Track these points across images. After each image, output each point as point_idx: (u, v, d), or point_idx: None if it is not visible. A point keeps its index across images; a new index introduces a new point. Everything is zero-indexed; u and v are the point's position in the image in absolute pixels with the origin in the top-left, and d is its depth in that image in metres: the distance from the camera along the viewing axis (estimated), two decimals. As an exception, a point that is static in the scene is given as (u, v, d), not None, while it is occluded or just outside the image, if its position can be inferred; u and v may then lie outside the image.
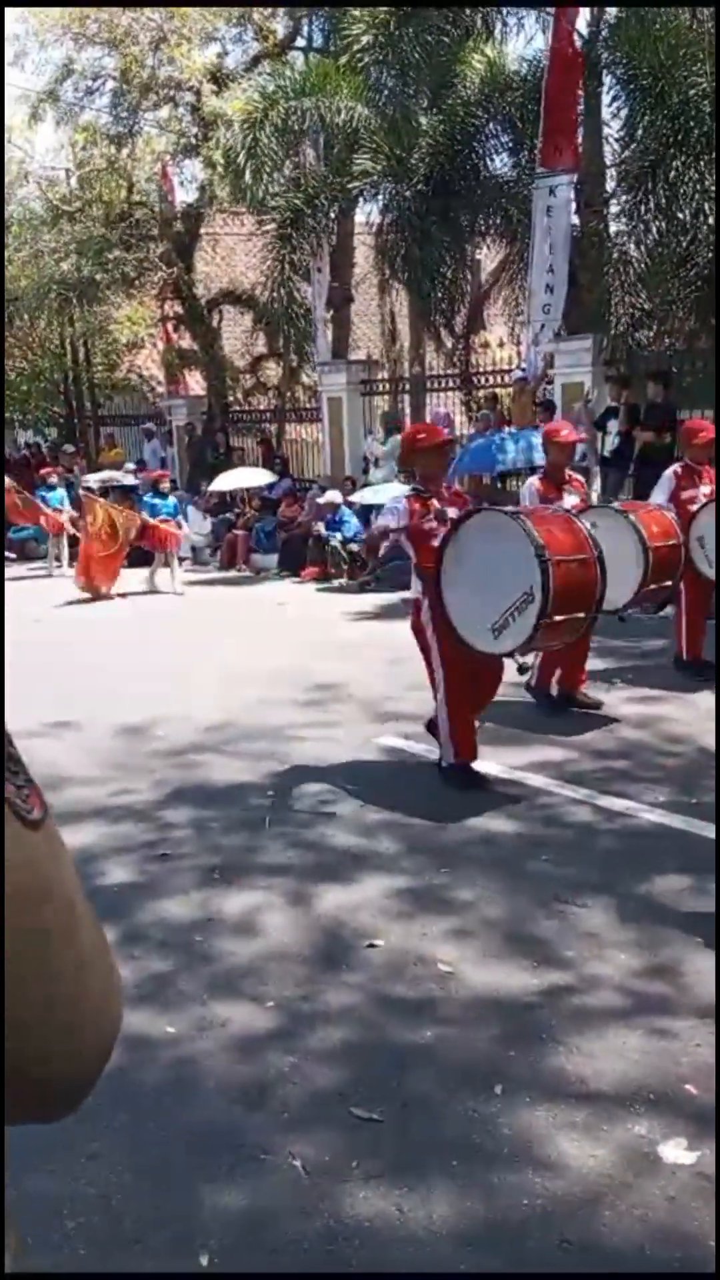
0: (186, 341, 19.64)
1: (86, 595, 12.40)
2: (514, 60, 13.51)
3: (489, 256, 17.53)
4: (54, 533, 15.03)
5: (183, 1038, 3.13)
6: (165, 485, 13.73)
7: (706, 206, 11.31)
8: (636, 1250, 2.24)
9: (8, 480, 14.92)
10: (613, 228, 13.01)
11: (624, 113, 12.40)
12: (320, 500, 13.75)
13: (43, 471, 15.34)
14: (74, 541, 15.15)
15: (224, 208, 18.06)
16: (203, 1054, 3.05)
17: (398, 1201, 2.41)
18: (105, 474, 16.93)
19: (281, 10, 17.83)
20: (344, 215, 16.07)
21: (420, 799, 5.09)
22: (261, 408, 19.74)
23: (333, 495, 13.63)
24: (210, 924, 3.87)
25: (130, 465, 17.57)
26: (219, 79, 17.27)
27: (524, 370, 13.38)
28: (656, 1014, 3.05)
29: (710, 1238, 2.23)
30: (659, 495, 7.05)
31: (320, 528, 13.41)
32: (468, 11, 12.98)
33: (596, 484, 10.67)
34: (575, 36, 12.18)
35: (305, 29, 18.43)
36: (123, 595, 12.48)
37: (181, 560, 15.15)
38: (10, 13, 17.66)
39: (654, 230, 12.12)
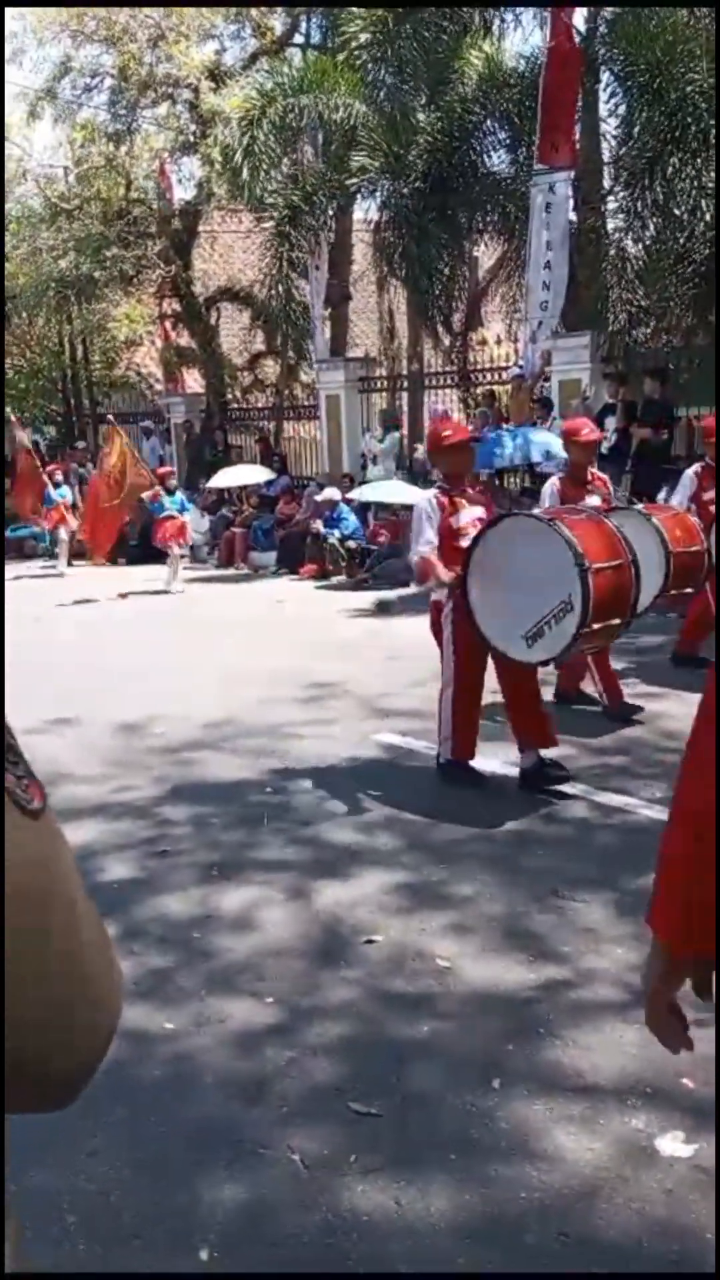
0: (185, 339, 19.65)
1: (86, 597, 12.36)
2: (512, 57, 13.52)
3: (487, 254, 17.54)
4: (54, 526, 14.93)
5: (181, 1033, 3.14)
6: (172, 482, 13.64)
7: (704, 203, 11.32)
8: (634, 1243, 2.25)
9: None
10: (610, 225, 13.02)
11: (621, 109, 12.42)
12: (318, 498, 13.76)
13: (49, 469, 15.26)
14: (75, 537, 15.16)
15: (222, 205, 18.07)
16: (201, 1049, 3.06)
17: (396, 1195, 2.42)
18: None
19: (279, 7, 17.82)
20: (342, 212, 16.08)
21: (418, 795, 5.10)
22: (260, 405, 19.76)
23: (331, 492, 13.64)
24: (209, 920, 3.88)
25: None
26: (217, 76, 17.28)
27: (522, 367, 13.39)
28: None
29: (707, 1230, 2.24)
30: (679, 496, 6.97)
31: (318, 525, 13.42)
32: (465, 8, 12.98)
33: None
34: (573, 33, 12.18)
35: (303, 26, 18.44)
36: (123, 595, 12.42)
37: (180, 558, 15.19)
38: (9, 10, 17.63)
39: (651, 227, 12.13)
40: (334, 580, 12.92)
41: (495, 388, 14.86)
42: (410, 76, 13.38)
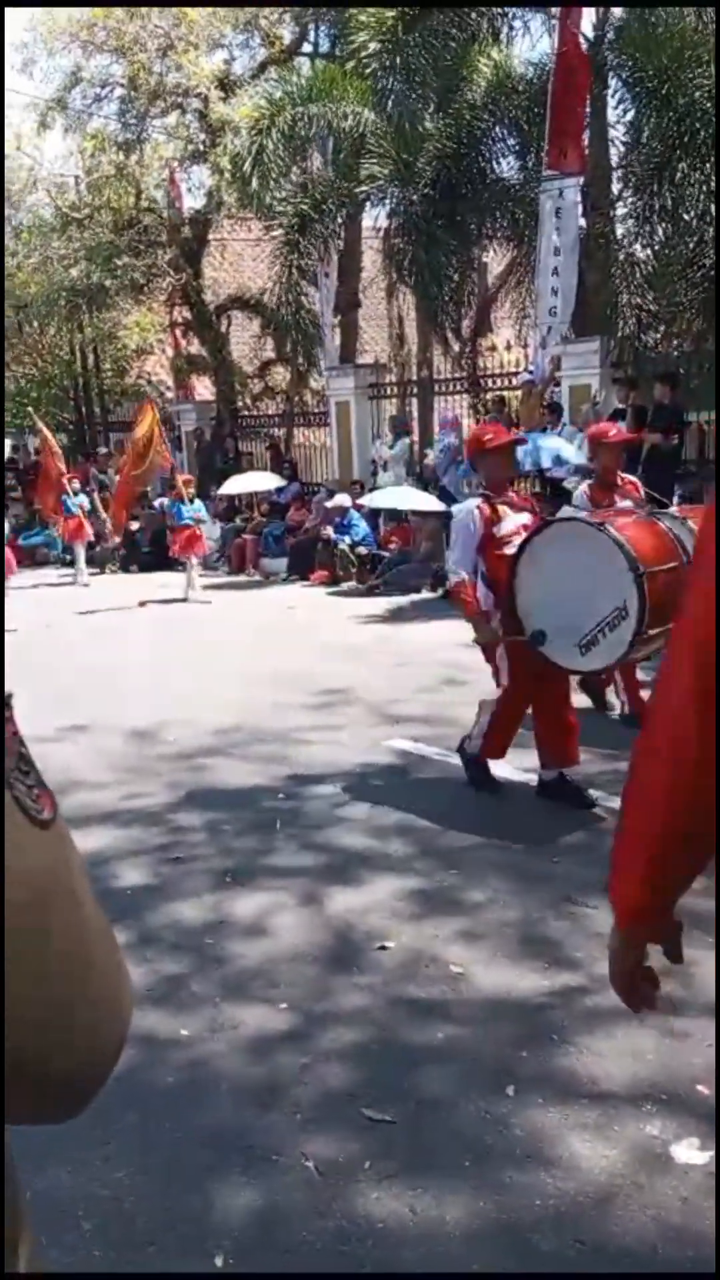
0: (195, 347, 19.71)
1: (107, 606, 12.34)
2: (520, 64, 13.54)
3: (496, 260, 17.54)
4: (72, 539, 14.86)
5: (195, 1039, 3.14)
6: (191, 490, 13.39)
7: (713, 208, 11.32)
8: (649, 1250, 2.24)
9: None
10: (619, 230, 13.02)
11: (630, 115, 12.43)
12: (328, 504, 13.78)
13: (67, 476, 15.25)
14: (91, 546, 15.15)
15: (232, 214, 18.14)
16: (215, 1055, 3.06)
17: (410, 1202, 2.42)
18: None
19: (288, 16, 17.90)
20: (351, 220, 16.12)
21: (430, 801, 5.10)
22: (270, 412, 19.80)
23: (341, 499, 13.66)
24: (222, 926, 3.88)
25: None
26: (226, 85, 17.36)
27: (531, 373, 13.38)
28: (667, 1014, 3.05)
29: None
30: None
31: (329, 531, 13.43)
32: (473, 16, 13.01)
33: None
34: (580, 39, 12.20)
35: (312, 34, 18.51)
36: (142, 604, 12.37)
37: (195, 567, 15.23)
38: (18, 20, 17.78)
39: (660, 232, 12.12)
40: (345, 586, 12.93)
41: (505, 393, 14.85)
42: (419, 84, 13.41)
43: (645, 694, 6.69)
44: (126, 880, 4.33)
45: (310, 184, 14.94)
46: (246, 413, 19.74)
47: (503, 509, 5.00)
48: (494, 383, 15.67)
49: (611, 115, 12.86)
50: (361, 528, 13.43)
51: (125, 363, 21.17)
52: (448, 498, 12.76)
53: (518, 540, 4.86)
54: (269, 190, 14.43)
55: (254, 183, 14.28)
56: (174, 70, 17.35)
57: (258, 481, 15.70)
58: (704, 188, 11.28)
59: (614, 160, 13.13)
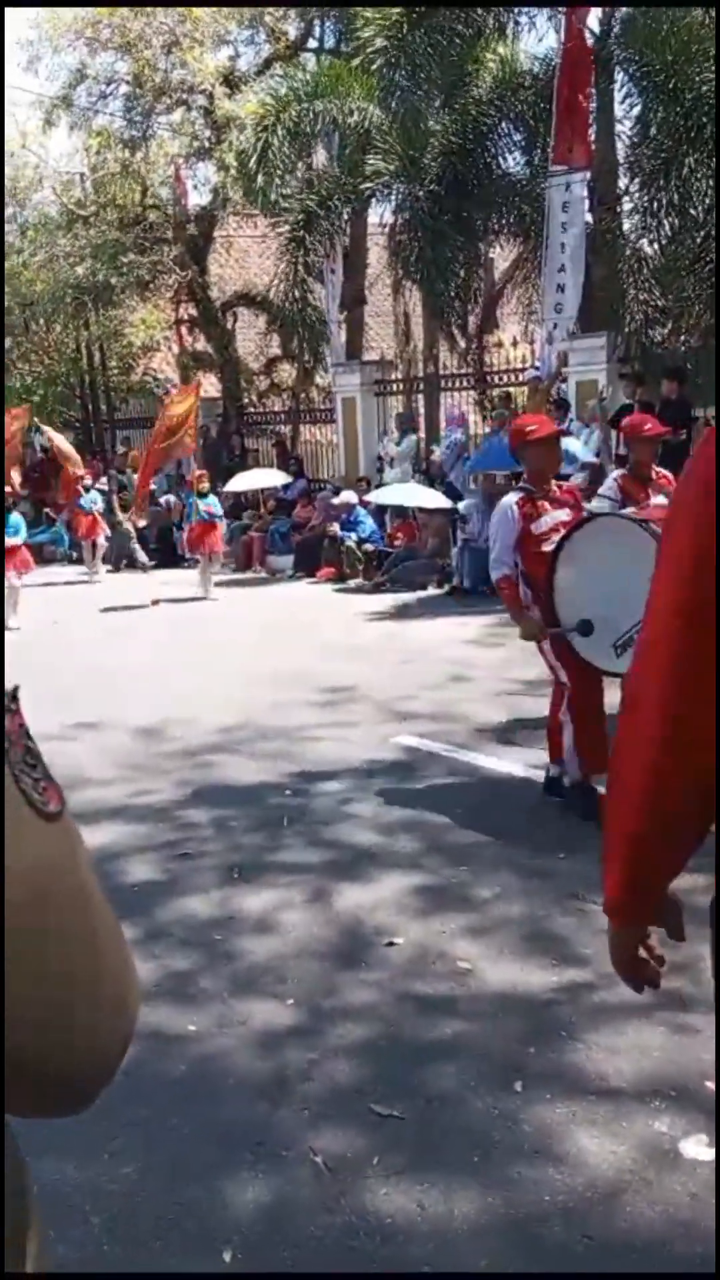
0: (201, 344, 19.71)
1: (123, 604, 12.22)
2: (526, 59, 13.50)
3: (502, 255, 17.52)
4: (86, 537, 14.75)
5: (204, 1035, 3.15)
6: (204, 485, 13.14)
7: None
8: (658, 1245, 2.24)
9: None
10: (626, 225, 12.98)
11: (636, 110, 12.38)
12: (334, 501, 13.77)
13: (78, 474, 15.21)
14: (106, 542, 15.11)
15: (237, 210, 18.13)
16: (224, 1051, 3.06)
17: (419, 1197, 2.42)
18: None
19: (294, 12, 17.87)
20: (357, 216, 16.09)
21: (437, 798, 5.10)
22: (276, 409, 19.79)
23: (348, 496, 13.65)
24: (231, 922, 3.89)
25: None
26: (231, 82, 17.35)
27: (538, 369, 13.36)
28: (676, 1011, 3.05)
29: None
30: None
31: (335, 528, 13.43)
32: (479, 11, 12.97)
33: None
34: (587, 34, 12.16)
35: (317, 30, 18.48)
36: (155, 602, 12.33)
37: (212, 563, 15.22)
38: (23, 19, 17.79)
39: (667, 227, 12.08)
40: (351, 583, 12.92)
41: (511, 390, 14.82)
42: (425, 80, 13.38)
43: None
44: (135, 876, 4.34)
45: (316, 180, 14.92)
46: (252, 409, 19.73)
47: (542, 504, 4.83)
48: (500, 379, 15.64)
49: (618, 110, 12.83)
50: (368, 524, 13.43)
51: (131, 360, 21.16)
52: (454, 494, 12.75)
53: (556, 538, 4.70)
54: (274, 187, 14.42)
55: (259, 179, 14.26)
56: (179, 67, 17.35)
57: (264, 479, 15.69)
58: (711, 182, 11.24)
59: (621, 155, 13.08)
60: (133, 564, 14.68)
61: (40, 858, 0.61)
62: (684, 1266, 2.18)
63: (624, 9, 12.50)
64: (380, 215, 16.08)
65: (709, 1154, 2.50)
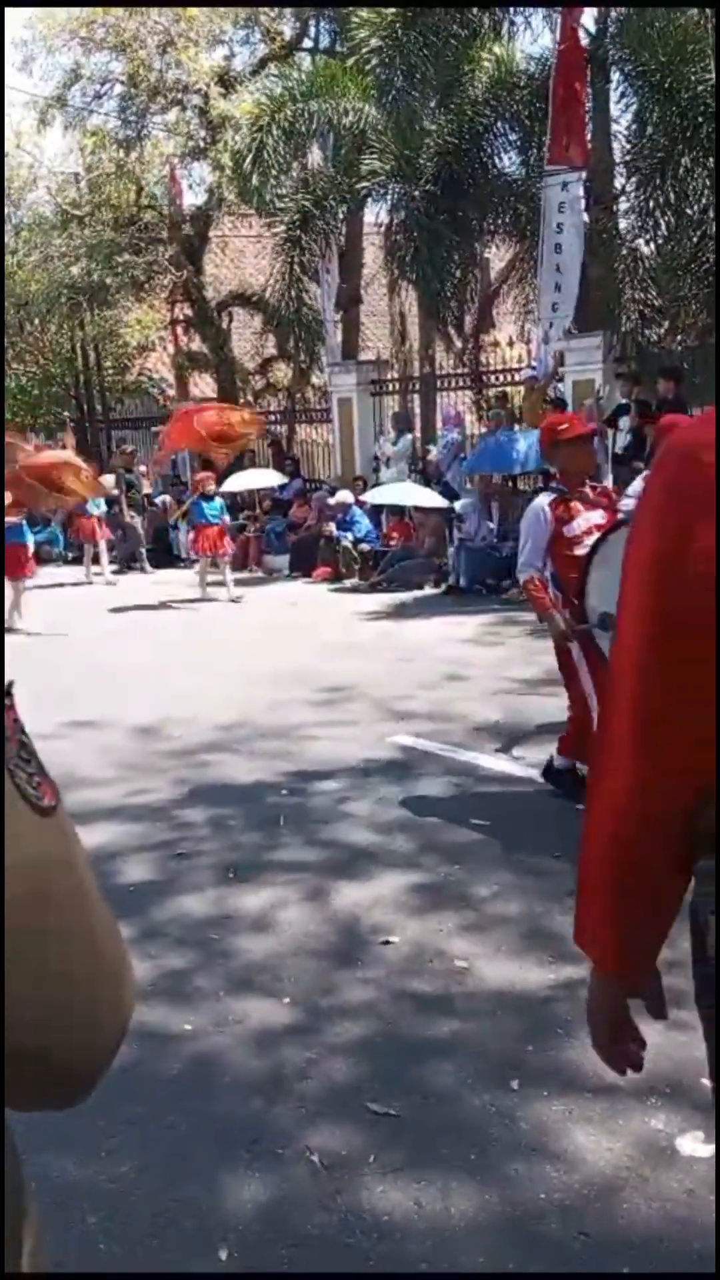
0: (196, 344, 19.70)
1: (132, 604, 12.19)
2: (522, 59, 13.51)
3: (498, 255, 17.54)
4: (88, 538, 14.54)
5: (200, 1033, 3.14)
6: (211, 487, 13.03)
7: (716, 202, 11.29)
8: (655, 1242, 2.24)
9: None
10: (622, 224, 12.99)
11: (633, 109, 12.39)
12: (330, 501, 13.77)
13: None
14: (111, 546, 14.99)
15: (232, 210, 18.12)
16: (220, 1049, 3.06)
17: (415, 1195, 2.42)
18: None
19: (289, 12, 17.88)
20: (352, 216, 16.11)
21: (433, 796, 5.10)
22: (272, 409, 19.78)
23: (344, 495, 13.65)
24: (228, 921, 3.88)
25: (142, 468, 17.57)
26: (226, 82, 17.34)
27: (535, 368, 13.37)
28: (672, 1007, 3.03)
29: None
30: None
31: (332, 528, 13.43)
32: (474, 11, 12.97)
33: (608, 481, 10.64)
34: (582, 33, 12.17)
35: (312, 30, 18.49)
36: (164, 604, 12.22)
37: (195, 562, 15.19)
38: (17, 19, 17.77)
39: (664, 226, 12.09)
40: (347, 583, 12.93)
41: (508, 389, 14.83)
42: (420, 80, 13.38)
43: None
44: (131, 876, 4.33)
45: (311, 180, 14.91)
46: (248, 409, 19.72)
47: (575, 506, 4.70)
48: (497, 379, 15.65)
49: (614, 109, 12.85)
50: (364, 524, 13.43)
51: (126, 360, 21.16)
52: (450, 494, 12.77)
53: (589, 541, 4.56)
54: (269, 186, 14.42)
55: (254, 179, 14.26)
56: (174, 67, 17.34)
57: (260, 479, 15.68)
58: (707, 182, 11.25)
59: (617, 155, 13.10)
60: (133, 565, 14.68)
61: (36, 853, 0.61)
62: (681, 1263, 2.18)
63: (619, 9, 12.50)
64: (376, 215, 16.10)
65: (705, 1150, 2.50)
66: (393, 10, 12.82)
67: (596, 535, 4.57)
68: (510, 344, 16.81)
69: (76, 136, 19.29)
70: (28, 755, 0.64)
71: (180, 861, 4.48)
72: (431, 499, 12.59)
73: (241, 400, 19.39)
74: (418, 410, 16.72)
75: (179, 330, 19.78)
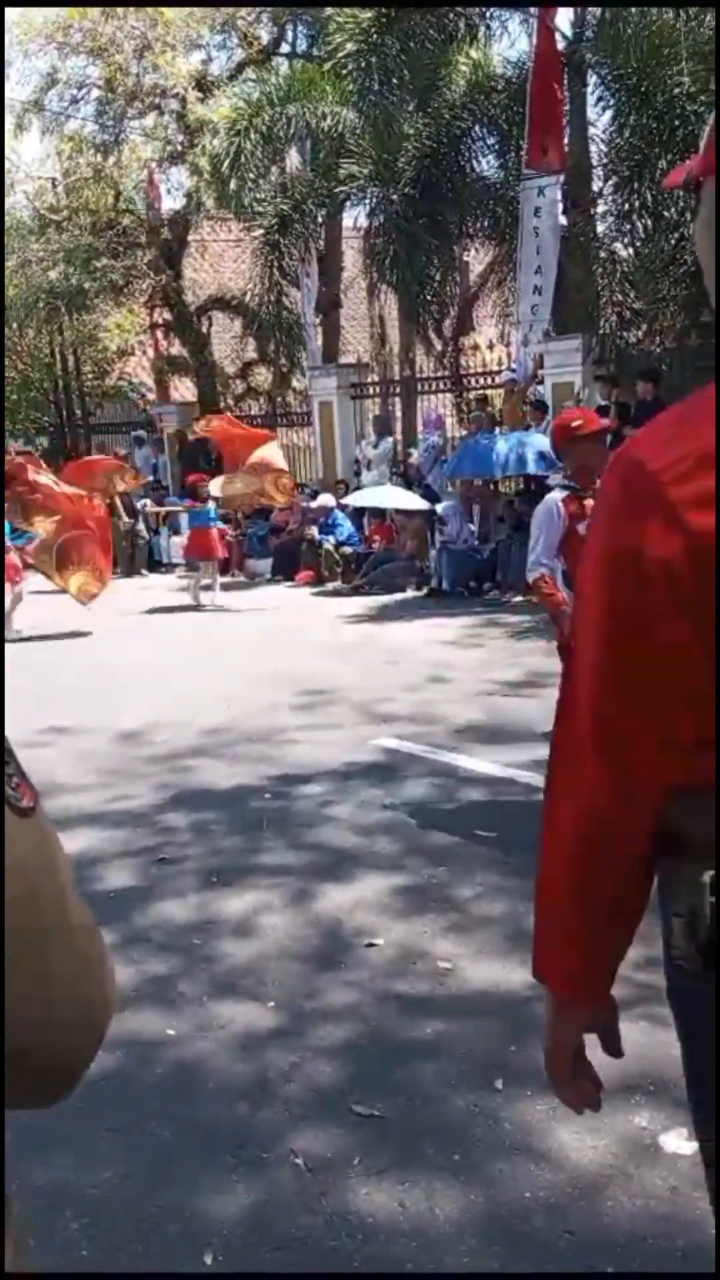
0: (176, 348, 19.67)
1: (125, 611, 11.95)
2: (499, 63, 13.57)
3: (477, 258, 17.58)
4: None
5: (184, 1038, 3.13)
6: (204, 490, 12.81)
7: (693, 205, 11.35)
8: (639, 1239, 2.25)
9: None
10: (600, 227, 13.06)
11: (609, 112, 12.47)
12: (312, 504, 13.77)
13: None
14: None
15: (211, 215, 18.11)
16: (204, 1054, 3.05)
17: (400, 1196, 2.42)
18: None
19: (265, 16, 17.89)
20: (331, 220, 16.13)
21: (417, 799, 5.11)
22: (253, 413, 19.77)
23: (325, 499, 13.65)
24: (211, 926, 3.87)
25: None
26: (204, 86, 17.34)
27: (514, 371, 13.41)
28: (656, 1004, 3.06)
29: (713, 1226, 2.24)
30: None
31: (314, 532, 13.42)
32: (450, 16, 13.03)
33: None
34: (558, 37, 12.23)
35: (290, 34, 18.50)
36: (150, 611, 12.15)
37: (176, 566, 15.17)
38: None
39: (641, 230, 12.17)
40: (330, 586, 12.93)
41: (488, 392, 14.87)
42: (397, 85, 13.43)
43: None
44: (113, 882, 4.31)
45: (290, 184, 14.93)
46: (229, 414, 19.69)
47: (588, 503, 4.62)
48: (477, 381, 15.68)
49: (591, 113, 12.92)
50: (346, 527, 13.44)
51: (106, 365, 21.11)
52: (432, 497, 12.79)
53: None
54: (248, 191, 14.42)
55: (233, 183, 14.27)
56: (151, 71, 17.31)
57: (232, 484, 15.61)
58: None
59: (594, 158, 13.17)
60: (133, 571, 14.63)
61: (17, 855, 0.61)
62: (665, 1260, 2.19)
63: (595, 11, 12.58)
64: (355, 219, 16.15)
65: (689, 1147, 2.51)
66: (369, 15, 12.86)
67: None
68: (490, 347, 16.85)
69: (54, 141, 19.24)
70: (6, 756, 0.64)
71: (163, 867, 4.47)
72: (413, 501, 12.62)
73: (222, 404, 19.38)
74: (398, 413, 16.74)
75: (159, 334, 19.75)
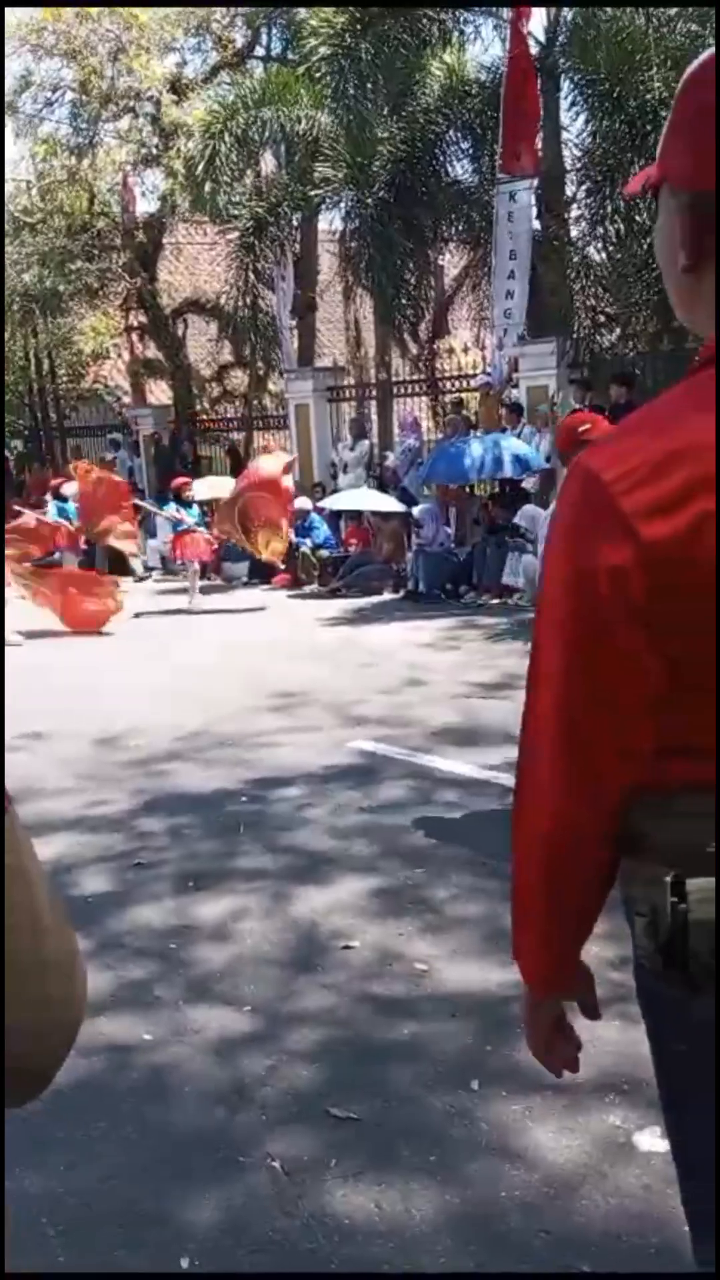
0: (152, 351, 19.61)
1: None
2: (473, 67, 13.61)
3: (452, 262, 17.63)
4: (68, 547, 14.08)
5: (160, 1043, 3.13)
6: (189, 493, 12.75)
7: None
8: (613, 1237, 2.27)
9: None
10: (574, 232, 13.13)
11: (582, 118, 12.55)
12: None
13: (54, 482, 14.91)
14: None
15: (186, 217, 18.07)
16: (181, 1059, 3.05)
17: (376, 1197, 2.43)
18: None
19: (240, 19, 17.87)
20: (307, 223, 16.13)
21: (393, 801, 5.12)
22: (229, 416, 19.74)
23: (302, 502, 13.64)
24: (187, 931, 3.87)
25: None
26: (178, 89, 17.30)
27: (489, 374, 13.46)
28: (629, 1003, 3.07)
29: (685, 1223, 2.26)
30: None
31: (290, 534, 13.40)
32: (424, 20, 13.07)
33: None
34: (531, 42, 12.30)
35: (264, 38, 18.49)
36: (137, 615, 12.08)
37: (152, 570, 15.11)
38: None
39: (614, 234, 12.25)
40: (307, 589, 12.92)
41: (464, 395, 14.92)
42: (371, 89, 13.45)
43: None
44: (89, 887, 4.30)
45: (265, 187, 14.93)
46: (205, 417, 19.67)
47: None
48: (452, 385, 15.72)
49: (564, 118, 12.98)
50: (322, 530, 13.43)
51: (81, 368, 21.01)
52: (408, 499, 12.81)
53: None
54: (223, 194, 14.41)
55: (208, 186, 14.24)
56: (125, 74, 17.25)
57: (218, 487, 15.60)
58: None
59: (568, 162, 13.24)
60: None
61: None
62: (639, 1257, 2.21)
63: (568, 16, 12.65)
64: (330, 222, 16.14)
65: (662, 1145, 2.53)
66: (342, 18, 12.88)
67: None
68: (465, 350, 16.93)
69: (28, 143, 19.15)
70: None
71: (139, 871, 4.46)
72: (389, 504, 12.63)
73: (198, 407, 19.33)
74: (374, 416, 16.76)
75: (134, 337, 19.68)
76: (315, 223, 16.52)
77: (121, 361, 20.74)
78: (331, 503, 13.36)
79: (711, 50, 1.16)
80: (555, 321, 12.52)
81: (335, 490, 14.08)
